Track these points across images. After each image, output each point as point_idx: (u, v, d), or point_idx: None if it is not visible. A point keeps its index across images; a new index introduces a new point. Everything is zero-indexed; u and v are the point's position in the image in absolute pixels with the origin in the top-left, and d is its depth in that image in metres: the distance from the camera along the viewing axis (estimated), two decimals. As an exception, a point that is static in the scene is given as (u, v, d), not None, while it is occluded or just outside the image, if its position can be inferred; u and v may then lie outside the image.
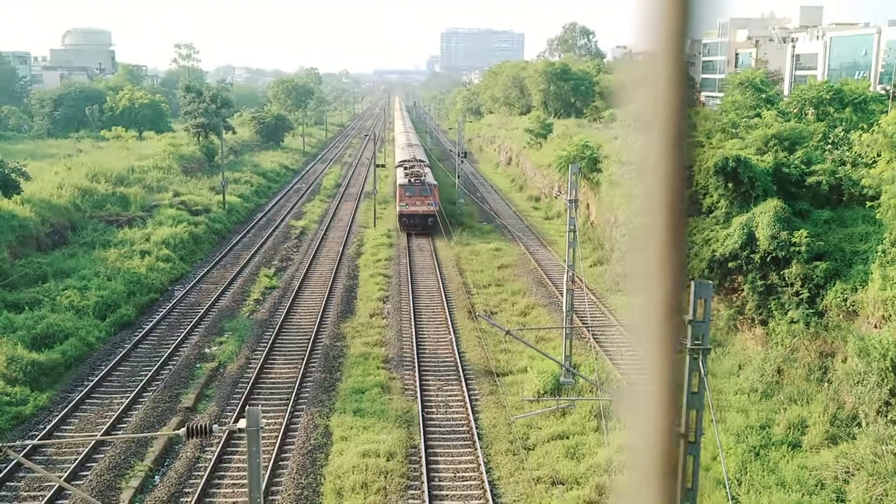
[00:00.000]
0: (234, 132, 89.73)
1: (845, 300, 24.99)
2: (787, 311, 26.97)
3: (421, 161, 63.07)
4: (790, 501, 19.47)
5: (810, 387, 24.78)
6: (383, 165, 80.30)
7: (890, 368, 21.78)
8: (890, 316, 22.97)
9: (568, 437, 23.25)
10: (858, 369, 22.80)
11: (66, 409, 25.65)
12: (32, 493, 20.75)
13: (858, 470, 19.80)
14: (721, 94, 62.61)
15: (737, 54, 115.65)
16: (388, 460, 21.95)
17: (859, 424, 22.06)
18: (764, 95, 40.23)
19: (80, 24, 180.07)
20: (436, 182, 55.41)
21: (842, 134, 32.66)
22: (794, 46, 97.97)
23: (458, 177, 60.93)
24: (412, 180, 54.20)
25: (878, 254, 24.70)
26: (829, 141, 32.65)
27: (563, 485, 20.84)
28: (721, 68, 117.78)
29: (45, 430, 24.14)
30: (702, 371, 13.49)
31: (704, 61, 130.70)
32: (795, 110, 37.23)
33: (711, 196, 31.53)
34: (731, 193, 30.59)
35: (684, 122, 1.76)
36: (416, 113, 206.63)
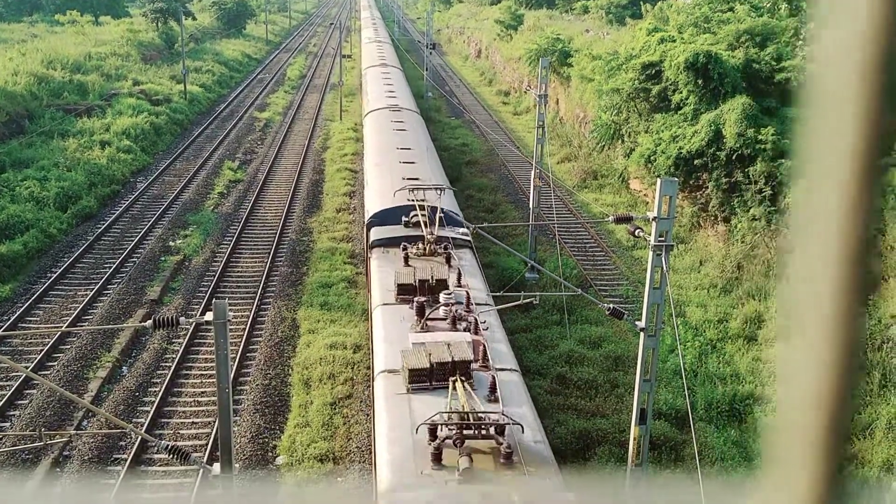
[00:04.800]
0: (195, 18, 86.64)
1: (807, 198, 25.32)
2: (750, 208, 27.32)
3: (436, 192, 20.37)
4: (743, 392, 20.20)
5: (768, 283, 25.37)
6: (349, 56, 78.48)
7: (846, 265, 22.32)
8: (849, 214, 23.38)
9: (531, 331, 23.75)
10: (816, 266, 23.33)
11: (30, 300, 25.52)
12: (-1, 384, 20.84)
13: (810, 362, 20.51)
14: (695, -12, 61.48)
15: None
16: (354, 352, 22.29)
17: (813, 319, 22.73)
18: (738, -11, 39.50)
19: None
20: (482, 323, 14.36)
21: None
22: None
23: (427, 70, 59.78)
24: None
25: (842, 153, 24.90)
26: (801, 37, 32.36)
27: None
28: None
29: (10, 322, 24.06)
30: (663, 267, 13.70)
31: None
32: (768, 4, 36.66)
33: (681, 92, 31.34)
34: (701, 90, 30.43)
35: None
36: (383, 1, 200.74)
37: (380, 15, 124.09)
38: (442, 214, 18.64)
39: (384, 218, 20.31)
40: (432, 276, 14.98)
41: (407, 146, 27.96)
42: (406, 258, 16.77)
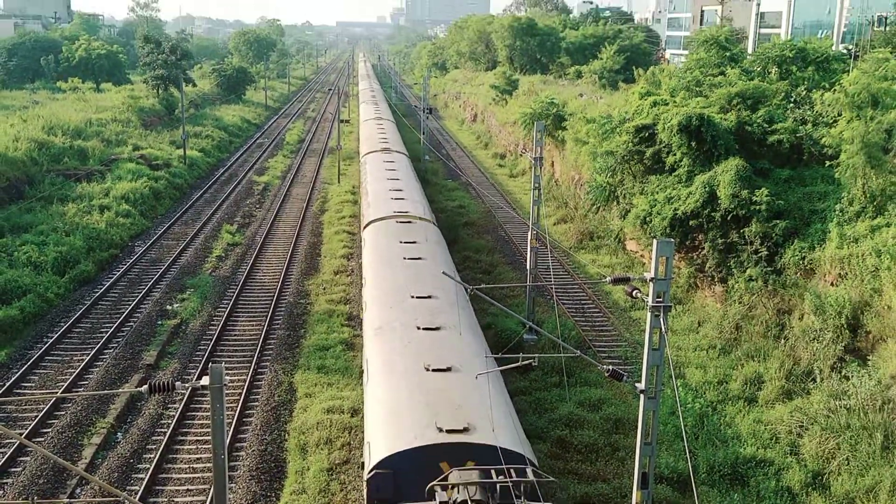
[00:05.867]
0: (195, 85, 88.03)
1: (803, 258, 25.42)
2: (746, 268, 27.38)
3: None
4: (745, 454, 19.97)
5: (767, 343, 25.28)
6: (347, 121, 79.41)
7: (845, 325, 22.28)
8: (846, 274, 23.44)
9: (530, 393, 23.57)
10: (814, 326, 23.30)
11: (26, 366, 25.33)
12: (-8, 451, 20.55)
13: (812, 424, 20.33)
14: (686, 52, 62.68)
15: (702, 11, 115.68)
16: (352, 416, 22.06)
17: (814, 380, 22.62)
18: (728, 53, 40.28)
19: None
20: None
21: (804, 93, 32.90)
22: (758, 4, 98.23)
23: (423, 133, 60.51)
24: None
25: (836, 213, 25.10)
26: (792, 100, 32.89)
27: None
28: (686, 25, 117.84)
29: (5, 387, 23.85)
30: (662, 328, 13.68)
31: (670, 18, 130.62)
32: (759, 69, 37.35)
33: (675, 154, 31.69)
34: (694, 152, 30.78)
35: None
36: (380, 67, 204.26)
37: (379, 86, 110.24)
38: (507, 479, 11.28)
39: (399, 469, 12.48)
40: None
41: (426, 292, 19.23)
42: None
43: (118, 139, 58.05)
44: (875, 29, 57.26)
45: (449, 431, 12.26)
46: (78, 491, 19.24)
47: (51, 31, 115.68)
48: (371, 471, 12.59)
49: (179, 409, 22.82)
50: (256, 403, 23.69)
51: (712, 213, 28.81)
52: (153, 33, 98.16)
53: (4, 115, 57.80)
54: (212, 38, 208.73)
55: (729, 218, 28.25)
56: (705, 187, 29.17)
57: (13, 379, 24.41)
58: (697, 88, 35.99)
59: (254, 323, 30.17)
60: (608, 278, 14.53)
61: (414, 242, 23.87)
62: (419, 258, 22.36)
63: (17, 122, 52.96)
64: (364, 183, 36.26)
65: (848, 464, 18.75)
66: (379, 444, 13.10)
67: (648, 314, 13.71)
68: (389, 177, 35.11)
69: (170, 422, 22.39)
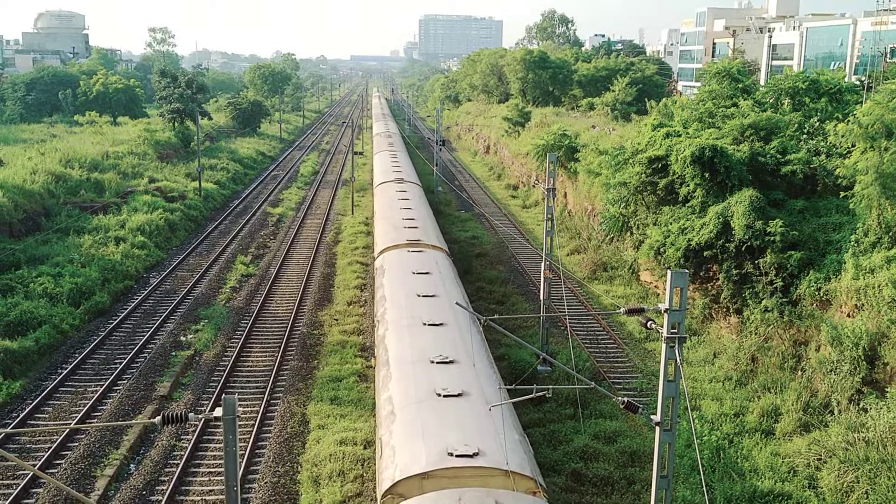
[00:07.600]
0: (210, 118, 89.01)
1: (818, 289, 25.26)
2: (762, 299, 27.22)
3: None
4: (763, 488, 19.71)
5: (784, 375, 25.05)
6: (361, 153, 79.93)
7: (862, 357, 22.06)
8: (863, 305, 23.25)
9: (544, 425, 23.39)
10: (831, 358, 23.08)
11: (40, 397, 25.39)
12: (6, 483, 20.54)
13: (830, 457, 20.07)
14: (698, 84, 62.88)
15: (714, 44, 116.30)
16: (365, 448, 21.95)
17: (832, 412, 22.36)
18: (740, 85, 40.40)
19: (53, 7, 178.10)
20: None
21: (817, 124, 32.91)
22: (770, 36, 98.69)
23: (437, 165, 60.81)
24: None
25: (852, 243, 24.96)
26: (805, 131, 32.89)
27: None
28: (698, 58, 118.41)
29: (19, 419, 23.89)
30: (677, 359, 13.59)
31: (682, 51, 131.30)
32: (771, 100, 37.42)
33: (688, 185, 31.67)
34: (708, 183, 30.76)
35: None
36: (393, 101, 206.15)
37: (397, 129, 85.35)
38: None
39: None
40: None
41: None
42: None
43: (134, 172, 58.62)
44: (888, 60, 57.36)
45: None
46: (90, 523, 19.17)
47: (69, 66, 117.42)
48: None
49: (192, 441, 22.78)
50: (269, 435, 23.62)
51: (726, 244, 28.72)
52: (170, 67, 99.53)
53: (23, 148, 58.53)
54: (227, 72, 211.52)
55: (743, 249, 28.15)
56: (719, 218, 29.11)
57: (27, 410, 24.46)
58: (710, 120, 36.06)
59: (267, 354, 30.18)
60: (622, 309, 14.47)
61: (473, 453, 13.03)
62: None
63: (34, 154, 53.62)
64: (381, 300, 21.99)
65: (867, 497, 18.47)
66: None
67: (663, 345, 13.63)
68: (427, 317, 19.53)
69: (183, 453, 22.34)
